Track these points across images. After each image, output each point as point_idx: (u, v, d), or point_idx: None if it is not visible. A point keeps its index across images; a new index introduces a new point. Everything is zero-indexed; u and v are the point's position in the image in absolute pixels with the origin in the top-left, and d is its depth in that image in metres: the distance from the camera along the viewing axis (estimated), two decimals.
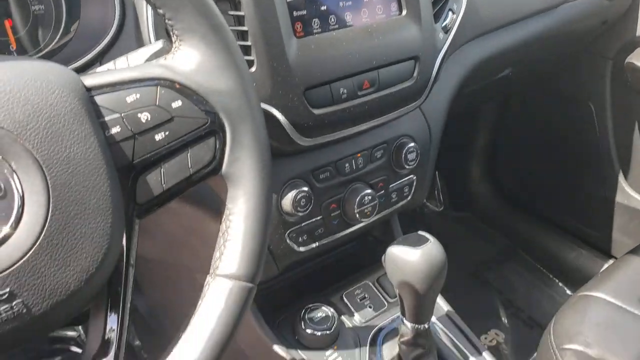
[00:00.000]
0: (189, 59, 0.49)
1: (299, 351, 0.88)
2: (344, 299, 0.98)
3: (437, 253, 0.77)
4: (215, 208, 0.76)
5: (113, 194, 0.43)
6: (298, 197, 0.82)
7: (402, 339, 0.86)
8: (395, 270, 0.78)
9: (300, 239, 0.87)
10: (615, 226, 1.54)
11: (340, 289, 1.00)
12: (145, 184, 0.47)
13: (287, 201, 0.81)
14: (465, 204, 1.92)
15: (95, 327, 0.46)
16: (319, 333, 0.89)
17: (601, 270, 1.51)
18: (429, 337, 0.85)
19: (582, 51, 1.44)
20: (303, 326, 0.89)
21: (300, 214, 0.83)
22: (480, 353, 0.92)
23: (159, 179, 0.48)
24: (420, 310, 0.81)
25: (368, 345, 0.91)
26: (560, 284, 1.64)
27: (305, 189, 0.83)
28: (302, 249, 0.88)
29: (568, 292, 1.62)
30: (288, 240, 0.86)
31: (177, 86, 0.48)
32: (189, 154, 0.49)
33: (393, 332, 0.94)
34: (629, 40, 1.36)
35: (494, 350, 1.46)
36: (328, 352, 0.89)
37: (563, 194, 1.68)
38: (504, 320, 1.57)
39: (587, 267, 1.59)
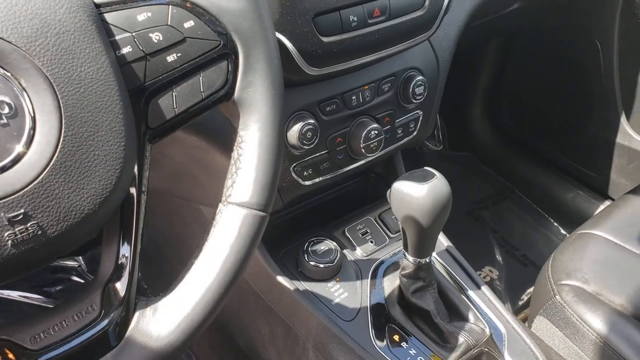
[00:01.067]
0: None
1: (302, 282, 0.89)
2: (346, 233, 0.99)
3: (442, 188, 0.77)
4: (222, 139, 0.75)
5: (126, 116, 0.41)
6: (304, 129, 0.80)
7: (403, 272, 0.87)
8: (400, 205, 0.78)
9: (305, 172, 0.86)
10: (614, 167, 1.54)
11: (343, 224, 1.00)
12: (157, 107, 0.46)
13: (293, 134, 0.80)
14: (465, 144, 1.91)
15: (108, 252, 0.45)
16: (322, 265, 0.90)
17: (599, 210, 1.53)
18: (429, 271, 0.86)
19: None
20: (306, 258, 0.90)
21: (306, 147, 0.82)
22: (479, 287, 0.93)
23: (170, 103, 0.46)
24: (423, 244, 0.82)
25: (369, 277, 0.93)
26: (556, 224, 1.66)
27: (312, 121, 0.81)
28: (307, 182, 0.87)
29: (563, 232, 1.64)
30: (293, 174, 0.85)
31: (189, 5, 0.46)
32: (201, 78, 0.47)
33: (393, 266, 0.95)
34: None
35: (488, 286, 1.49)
36: (330, 284, 0.90)
37: (563, 135, 1.68)
38: (499, 258, 1.59)
39: (584, 208, 1.61)
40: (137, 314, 0.46)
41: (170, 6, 0.45)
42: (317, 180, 0.89)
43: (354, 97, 0.86)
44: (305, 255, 0.91)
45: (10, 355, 0.41)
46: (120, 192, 0.43)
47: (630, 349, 0.82)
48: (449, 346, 0.84)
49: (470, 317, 0.88)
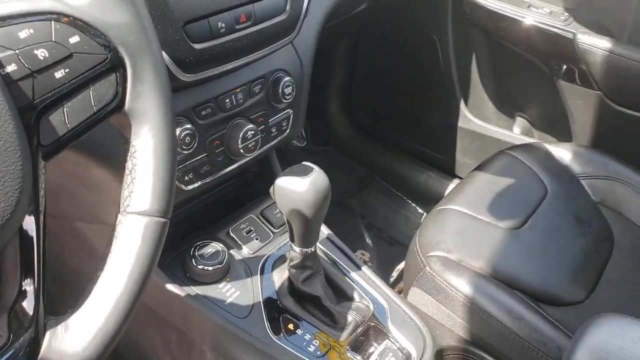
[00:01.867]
0: None
1: (193, 287, 0.90)
2: (231, 233, 1.01)
3: (322, 181, 0.83)
4: (101, 153, 0.73)
5: (19, 135, 0.40)
6: (182, 135, 0.81)
7: (291, 264, 0.91)
8: (285, 200, 0.82)
9: (186, 177, 0.87)
10: (459, 149, 1.73)
11: (227, 224, 1.02)
12: (48, 124, 0.45)
13: None
14: (327, 139, 2.01)
15: (10, 275, 0.43)
16: (210, 268, 0.91)
17: (449, 189, 1.71)
18: (316, 259, 0.91)
19: None
20: (194, 263, 0.91)
21: (185, 152, 0.83)
22: (359, 268, 1.01)
23: (62, 119, 0.45)
24: (308, 234, 0.87)
25: (259, 273, 0.96)
26: (414, 205, 1.82)
27: (189, 126, 0.82)
28: (189, 187, 0.88)
29: (420, 211, 1.80)
30: None
31: (73, 20, 0.45)
32: (91, 92, 0.47)
33: (281, 259, 0.99)
34: None
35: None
36: (221, 285, 0.92)
37: (413, 123, 1.84)
38: (368, 241, 1.71)
39: (436, 188, 1.78)
40: (48, 334, 0.45)
41: (53, 22, 0.44)
42: (198, 184, 0.90)
43: (227, 100, 0.88)
44: (193, 260, 0.91)
45: None
46: (21, 213, 0.42)
47: (492, 305, 0.94)
48: (340, 326, 0.90)
49: (356, 296, 0.95)
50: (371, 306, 0.94)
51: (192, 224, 1.01)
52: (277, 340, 0.86)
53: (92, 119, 0.48)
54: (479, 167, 1.28)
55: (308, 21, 1.00)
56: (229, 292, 0.91)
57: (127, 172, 0.52)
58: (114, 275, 0.49)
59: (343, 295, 0.95)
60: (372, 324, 0.92)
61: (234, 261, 0.96)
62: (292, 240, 0.89)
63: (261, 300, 0.91)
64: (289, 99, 0.97)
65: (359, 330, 0.90)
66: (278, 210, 1.06)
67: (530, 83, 1.56)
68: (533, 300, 0.97)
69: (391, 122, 1.91)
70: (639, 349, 0.63)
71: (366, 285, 0.97)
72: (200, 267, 0.91)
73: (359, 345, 0.90)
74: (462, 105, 1.68)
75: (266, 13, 0.83)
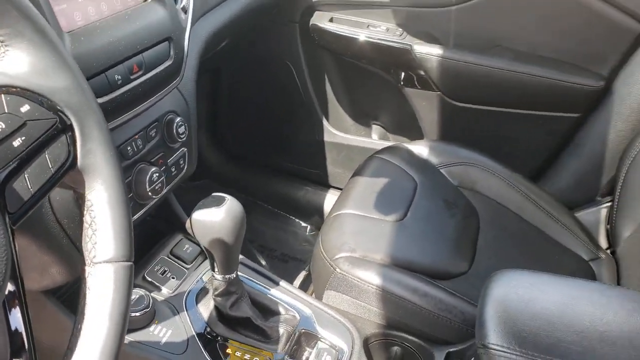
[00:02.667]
0: (19, 63, 0.49)
1: (126, 336, 0.90)
2: (147, 277, 1.02)
3: (237, 207, 0.89)
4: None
5: None
6: None
7: (216, 292, 0.95)
8: (204, 231, 0.87)
9: None
10: (329, 161, 1.86)
11: (140, 269, 1.03)
12: (13, 192, 0.46)
13: None
14: (200, 173, 2.03)
15: None
16: (138, 314, 0.92)
17: (328, 199, 1.83)
18: (239, 284, 0.97)
19: (277, 18, 1.67)
20: None
21: None
22: (278, 283, 1.07)
23: (25, 184, 0.47)
24: (230, 260, 0.92)
25: (185, 309, 0.98)
26: (298, 220, 1.92)
27: None
28: None
29: (304, 224, 1.91)
30: None
31: (20, 90, 0.48)
32: (47, 155, 0.49)
33: (202, 292, 1.02)
34: (307, 5, 1.64)
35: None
36: (152, 328, 0.93)
37: (283, 144, 1.94)
38: (263, 262, 1.77)
39: (315, 200, 1.89)
40: None
41: (3, 95, 0.46)
42: None
43: (129, 148, 0.90)
44: None
45: None
46: (6, 281, 0.43)
47: (400, 288, 1.06)
48: (273, 340, 0.97)
49: (281, 310, 1.01)
50: (297, 316, 1.01)
51: None
52: None
53: (52, 180, 0.50)
54: (356, 173, 1.41)
55: (189, 63, 1.05)
56: (161, 332, 0.93)
57: (86, 225, 0.54)
58: (96, 322, 0.51)
59: (270, 312, 1.02)
60: (302, 330, 0.99)
61: (158, 303, 0.98)
62: (213, 269, 0.93)
63: (194, 333, 0.94)
64: (183, 137, 1.01)
65: (292, 339, 0.97)
66: (187, 247, 1.09)
67: (379, 93, 1.75)
68: (430, 277, 1.11)
69: (262, 146, 2.00)
70: (532, 291, 0.78)
71: (288, 298, 1.05)
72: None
73: (294, 353, 0.96)
74: (324, 121, 1.82)
75: (154, 61, 0.88)
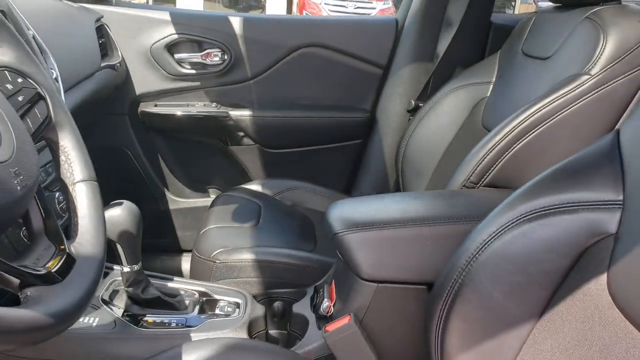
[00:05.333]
0: (9, 55, 0.76)
1: None
2: None
3: (133, 206, 1.14)
4: None
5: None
6: None
7: (127, 283, 1.16)
8: (112, 227, 1.10)
9: None
10: (178, 227, 2.12)
11: None
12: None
13: None
14: None
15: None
16: None
17: (183, 260, 2.06)
18: (144, 274, 1.19)
19: (109, 110, 1.95)
20: None
21: None
22: (172, 279, 1.31)
23: (28, 126, 0.73)
24: (136, 251, 1.15)
25: (102, 305, 1.16)
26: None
27: None
28: None
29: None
30: None
31: (14, 70, 0.75)
32: (36, 110, 0.76)
33: (113, 293, 1.21)
34: (133, 98, 1.97)
35: None
36: (80, 320, 1.10)
37: None
38: None
39: (171, 266, 2.09)
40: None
41: (6, 71, 0.74)
42: None
43: None
44: None
45: None
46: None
47: (269, 256, 1.37)
48: (182, 310, 1.19)
49: (182, 291, 1.25)
50: (196, 292, 1.25)
51: None
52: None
53: (41, 127, 0.76)
54: (211, 206, 1.72)
55: None
56: (89, 320, 1.10)
57: (62, 162, 0.79)
58: (89, 215, 0.76)
59: (172, 296, 1.24)
60: (204, 299, 1.23)
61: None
62: (122, 264, 1.15)
63: (118, 316, 1.13)
64: None
65: (197, 306, 1.21)
66: None
67: (208, 158, 2.10)
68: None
69: None
70: (357, 201, 1.16)
71: (184, 284, 1.28)
72: None
73: (203, 312, 1.20)
74: (167, 193, 2.10)
75: None
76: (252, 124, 1.97)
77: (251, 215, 1.62)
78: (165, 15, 1.89)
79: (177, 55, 1.92)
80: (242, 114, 1.96)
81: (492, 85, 1.69)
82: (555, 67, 1.38)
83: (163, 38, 1.89)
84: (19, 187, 0.60)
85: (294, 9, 11.97)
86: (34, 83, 0.78)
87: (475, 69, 1.76)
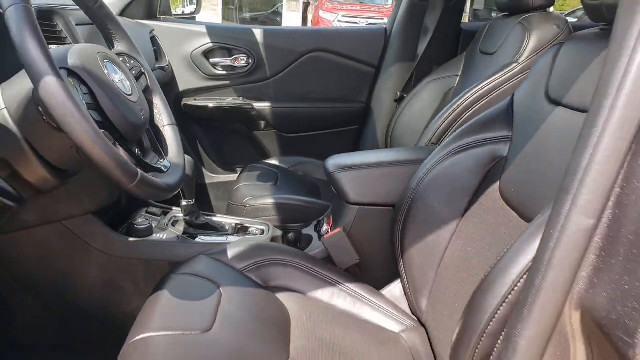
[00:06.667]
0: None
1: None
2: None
3: (190, 159, 1.64)
4: None
5: None
6: None
7: (185, 213, 1.65)
8: None
9: None
10: (212, 196, 2.62)
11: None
12: None
13: None
14: None
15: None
16: (142, 227, 1.57)
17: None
18: (196, 204, 1.68)
19: None
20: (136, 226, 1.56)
21: None
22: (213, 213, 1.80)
23: None
24: (192, 189, 1.65)
25: (167, 228, 1.65)
26: None
27: None
28: None
29: None
30: None
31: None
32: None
33: (175, 222, 1.70)
34: (176, 94, 2.48)
35: None
36: (153, 236, 1.58)
37: None
38: None
39: None
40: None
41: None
42: None
43: None
44: (135, 225, 1.57)
45: None
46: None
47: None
48: (224, 232, 1.68)
49: (222, 220, 1.74)
50: (233, 222, 1.74)
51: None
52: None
53: (145, 88, 1.26)
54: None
55: None
56: (159, 235, 1.59)
57: (155, 113, 1.29)
58: (177, 144, 1.25)
59: (214, 224, 1.73)
60: (240, 226, 1.72)
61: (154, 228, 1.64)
62: (183, 198, 1.64)
63: (179, 234, 1.62)
64: None
65: (236, 229, 1.70)
66: (153, 209, 1.77)
67: (240, 142, 2.60)
68: None
69: None
70: (348, 156, 1.65)
71: (224, 218, 1.77)
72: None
73: (239, 232, 1.68)
74: (204, 170, 2.60)
75: None
76: (271, 113, 2.47)
77: (271, 177, 2.11)
78: (202, 29, 2.42)
79: (211, 60, 2.43)
80: (263, 106, 2.47)
81: (458, 78, 2.17)
82: (497, 59, 1.86)
83: (201, 46, 2.40)
84: (142, 117, 1.10)
85: (309, 25, 12.59)
86: (140, 64, 1.28)
87: (447, 65, 2.25)
